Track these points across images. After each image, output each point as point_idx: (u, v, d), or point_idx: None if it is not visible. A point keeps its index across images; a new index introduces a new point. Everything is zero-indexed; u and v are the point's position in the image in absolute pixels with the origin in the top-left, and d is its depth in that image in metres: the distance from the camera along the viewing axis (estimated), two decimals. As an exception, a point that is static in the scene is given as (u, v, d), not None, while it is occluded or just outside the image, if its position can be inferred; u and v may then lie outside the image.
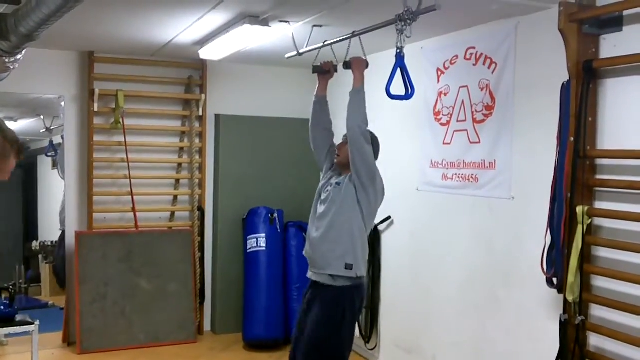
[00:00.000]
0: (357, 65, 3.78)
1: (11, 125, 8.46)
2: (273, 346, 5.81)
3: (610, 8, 3.34)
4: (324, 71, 4.16)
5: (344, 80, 4.23)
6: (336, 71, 4.14)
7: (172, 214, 6.24)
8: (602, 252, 3.46)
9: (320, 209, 3.86)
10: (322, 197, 3.89)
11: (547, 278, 3.60)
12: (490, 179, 4.25)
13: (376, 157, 3.81)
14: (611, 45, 3.40)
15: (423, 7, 3.17)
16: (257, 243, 5.99)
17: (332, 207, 3.76)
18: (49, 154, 8.64)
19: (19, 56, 4.37)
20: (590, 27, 3.42)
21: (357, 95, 3.68)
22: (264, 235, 5.99)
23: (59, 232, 7.00)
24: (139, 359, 5.52)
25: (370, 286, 5.47)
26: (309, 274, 3.88)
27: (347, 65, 3.91)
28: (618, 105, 3.38)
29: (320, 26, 4.28)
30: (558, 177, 3.51)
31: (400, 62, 3.37)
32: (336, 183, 3.80)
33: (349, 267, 3.67)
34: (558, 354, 3.51)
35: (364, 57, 3.86)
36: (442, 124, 4.70)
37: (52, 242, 8.36)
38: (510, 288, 4.09)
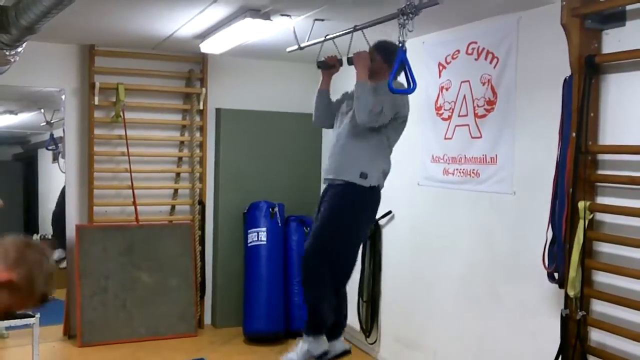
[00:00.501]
0: (358, 61, 3.80)
1: (11, 118, 8.44)
2: (273, 340, 5.82)
3: (613, 3, 3.33)
4: (329, 66, 4.16)
5: (348, 74, 4.21)
6: (341, 65, 4.13)
7: (173, 207, 6.24)
8: (604, 247, 3.46)
9: (341, 121, 3.99)
10: (343, 110, 4.01)
11: (548, 273, 3.60)
12: (492, 174, 4.24)
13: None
14: (614, 40, 3.39)
15: (425, 1, 3.16)
16: (257, 237, 5.98)
17: (350, 124, 3.88)
18: (50, 148, 8.61)
19: (19, 49, 4.36)
20: (593, 22, 3.40)
21: (359, 89, 3.70)
22: (264, 229, 5.98)
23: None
24: (140, 352, 5.52)
25: (370, 280, 5.47)
26: (324, 177, 4.04)
27: (350, 61, 3.92)
28: (620, 100, 3.37)
29: (322, 20, 4.26)
30: (560, 172, 3.51)
31: (402, 57, 3.36)
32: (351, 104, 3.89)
33: (363, 175, 3.81)
34: (559, 349, 3.52)
35: (367, 50, 3.86)
36: (443, 119, 4.69)
37: (52, 235, 8.34)
38: (511, 283, 4.08)
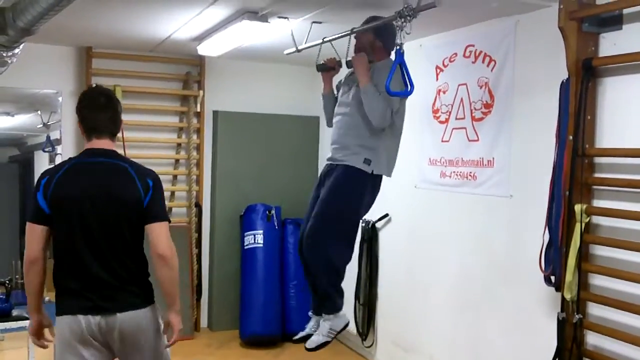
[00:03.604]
0: (357, 64, 3.74)
1: (8, 120, 8.43)
2: (270, 343, 5.81)
3: (610, 6, 3.34)
4: (328, 68, 4.14)
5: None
6: (340, 66, 4.12)
7: (169, 209, 6.23)
8: (600, 251, 3.46)
9: (341, 110, 3.87)
10: (342, 100, 3.90)
11: (545, 276, 3.60)
12: (489, 177, 4.24)
13: (391, 45, 3.64)
14: (610, 44, 3.40)
15: (423, 4, 3.17)
16: (254, 240, 5.98)
17: (354, 106, 3.76)
18: (46, 150, 8.59)
19: (16, 50, 4.36)
20: (590, 25, 3.42)
21: (365, 95, 3.61)
22: (261, 231, 5.98)
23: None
24: (136, 355, 5.50)
25: (367, 284, 5.47)
26: (327, 159, 3.93)
27: (349, 64, 3.90)
28: (617, 103, 3.38)
29: (320, 22, 4.27)
30: (557, 175, 3.51)
31: (399, 59, 3.36)
32: (356, 85, 3.75)
33: (367, 161, 3.71)
34: (555, 352, 3.51)
35: (364, 54, 3.82)
36: (440, 122, 4.69)
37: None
38: (508, 286, 4.08)
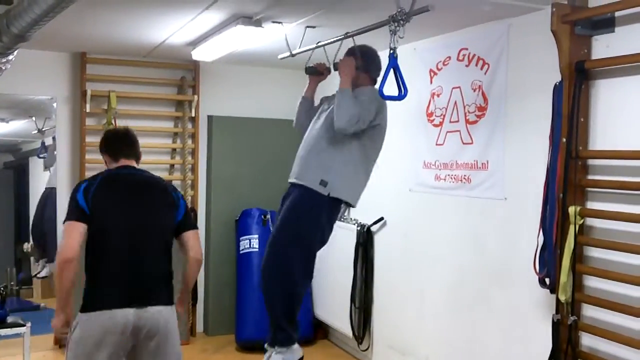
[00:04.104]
0: (342, 68, 3.75)
1: (2, 126, 8.42)
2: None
3: (603, 9, 3.36)
4: (317, 72, 4.15)
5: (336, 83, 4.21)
6: (329, 72, 4.13)
7: (165, 215, 6.22)
8: (594, 252, 3.47)
9: (314, 127, 3.86)
10: (316, 118, 3.89)
11: (539, 278, 3.60)
12: (483, 179, 4.25)
13: (377, 75, 3.77)
14: (603, 46, 3.41)
15: (416, 8, 3.18)
16: (249, 244, 5.98)
17: (322, 128, 3.76)
18: (41, 156, 8.59)
19: (10, 57, 4.36)
20: (583, 28, 3.43)
21: (340, 95, 3.63)
22: (256, 236, 5.98)
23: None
24: (131, 360, 5.48)
25: (363, 287, 5.47)
26: (289, 180, 3.87)
27: (336, 67, 3.91)
28: (610, 105, 3.39)
29: (314, 27, 4.28)
30: (550, 177, 3.52)
31: (393, 63, 3.37)
32: (329, 106, 3.77)
33: (323, 183, 3.64)
34: (550, 354, 3.52)
35: (352, 57, 3.81)
36: (434, 125, 4.70)
37: (33, 245, 8.29)
38: (503, 288, 4.09)
